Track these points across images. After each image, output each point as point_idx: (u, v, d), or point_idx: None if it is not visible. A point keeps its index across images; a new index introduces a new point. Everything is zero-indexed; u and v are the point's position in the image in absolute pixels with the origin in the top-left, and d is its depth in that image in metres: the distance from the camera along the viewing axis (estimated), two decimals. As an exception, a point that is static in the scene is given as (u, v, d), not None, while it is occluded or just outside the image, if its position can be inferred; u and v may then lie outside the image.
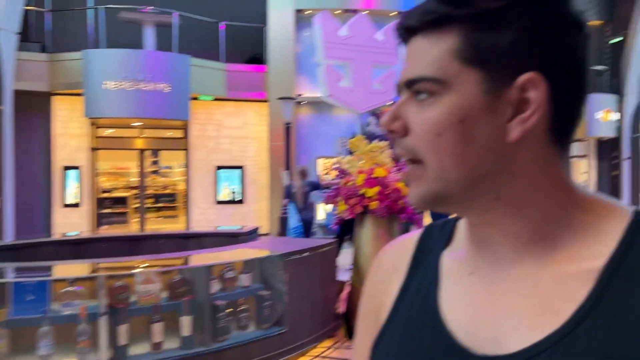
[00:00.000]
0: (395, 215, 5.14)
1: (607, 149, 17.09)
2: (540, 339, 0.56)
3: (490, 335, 0.59)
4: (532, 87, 0.57)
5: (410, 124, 0.60)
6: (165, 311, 4.03)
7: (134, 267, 4.28)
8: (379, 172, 5.04)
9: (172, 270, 4.28)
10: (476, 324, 0.61)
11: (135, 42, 11.50)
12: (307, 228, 8.19)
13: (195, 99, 11.83)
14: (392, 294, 0.72)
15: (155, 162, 13.73)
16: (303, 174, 8.43)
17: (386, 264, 0.76)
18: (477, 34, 0.57)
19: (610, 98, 16.24)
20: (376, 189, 4.98)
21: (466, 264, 0.65)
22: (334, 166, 5.63)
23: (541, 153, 0.59)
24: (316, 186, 8.44)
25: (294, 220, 8.12)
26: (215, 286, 4.28)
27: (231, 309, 4.33)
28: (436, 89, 0.58)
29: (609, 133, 16.36)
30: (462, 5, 0.57)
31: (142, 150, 12.58)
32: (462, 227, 0.70)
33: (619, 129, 16.62)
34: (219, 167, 12.52)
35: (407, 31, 0.62)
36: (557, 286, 0.58)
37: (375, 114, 12.28)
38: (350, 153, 5.60)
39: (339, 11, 12.08)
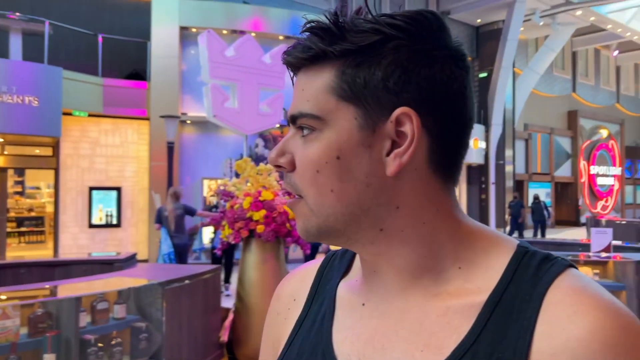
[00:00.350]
0: (281, 239, 5.08)
1: (476, 174, 18.54)
2: None
3: None
4: (407, 121, 0.57)
5: (296, 160, 0.61)
6: (26, 349, 3.66)
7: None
8: (266, 195, 4.97)
9: (34, 303, 3.85)
10: (363, 357, 0.61)
11: (-1, 51, 10.51)
12: (180, 254, 7.74)
13: (68, 114, 11.01)
14: (290, 326, 0.71)
15: (19, 182, 12.55)
16: (175, 196, 7.83)
17: (284, 295, 0.75)
18: (350, 69, 0.58)
19: (478, 128, 17.67)
20: (262, 213, 4.89)
21: (359, 295, 0.65)
22: (219, 188, 5.46)
23: (423, 185, 0.59)
24: (190, 211, 7.95)
25: (165, 246, 7.61)
26: (85, 319, 3.93)
27: (102, 344, 4.00)
28: (316, 125, 0.59)
29: (478, 160, 17.76)
30: (337, 41, 0.58)
31: (3, 169, 11.42)
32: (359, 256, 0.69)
33: (486, 156, 18.12)
34: (93, 188, 11.71)
35: (291, 67, 0.63)
36: (441, 321, 0.58)
37: (263, 136, 12.26)
38: (237, 175, 5.47)
39: (226, 31, 11.99)
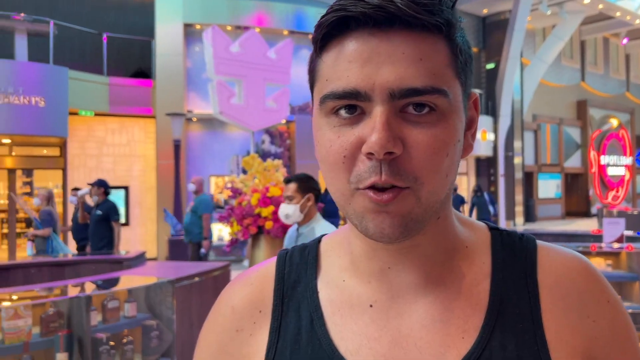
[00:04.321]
0: (290, 234, 5.05)
1: (485, 167, 18.43)
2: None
3: None
4: (476, 104, 0.59)
5: (409, 143, 0.52)
6: (38, 349, 3.66)
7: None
8: (274, 191, 4.94)
9: (46, 302, 3.86)
10: None
11: (4, 52, 10.53)
12: None
13: (74, 114, 11.03)
14: (260, 341, 0.62)
15: (27, 183, 12.56)
16: (48, 198, 7.09)
17: (243, 308, 0.64)
18: (456, 45, 0.54)
19: (486, 119, 17.55)
20: (271, 209, 4.86)
21: (359, 296, 0.60)
22: (226, 185, 5.44)
23: None
24: (49, 220, 6.94)
25: (67, 251, 6.99)
26: (96, 318, 3.94)
27: (114, 342, 4.00)
28: (441, 103, 0.52)
29: (486, 152, 17.65)
30: (442, 13, 0.53)
31: (12, 170, 11.46)
32: (329, 252, 0.65)
33: (495, 148, 18.00)
34: (102, 188, 11.73)
35: (386, 22, 0.51)
36: (458, 309, 0.58)
37: (269, 132, 12.24)
38: (244, 172, 5.45)
39: (230, 27, 11.96)
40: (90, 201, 7.12)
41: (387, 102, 0.51)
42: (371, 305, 0.59)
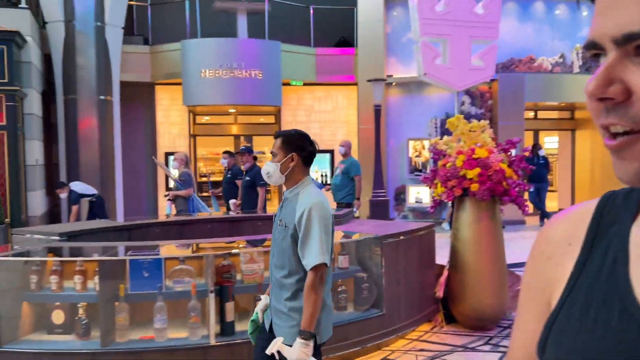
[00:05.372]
0: (497, 198, 4.94)
1: None
2: None
3: None
4: None
5: (634, 87, 0.51)
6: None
7: (236, 247, 4.44)
8: (480, 153, 4.85)
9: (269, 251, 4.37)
10: None
11: (228, 31, 11.84)
12: None
13: (286, 84, 12.01)
14: (565, 270, 0.65)
15: (248, 147, 14.15)
16: (186, 160, 7.52)
17: (556, 237, 0.69)
18: None
19: None
20: (477, 171, 4.79)
21: None
22: (429, 147, 5.49)
23: None
24: (190, 181, 7.43)
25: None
26: (315, 267, 4.34)
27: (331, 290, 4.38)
28: None
29: None
30: None
31: (236, 136, 12.99)
32: None
33: None
34: (310, 152, 12.64)
35: None
36: None
37: (470, 92, 11.88)
38: (444, 134, 5.44)
39: (430, -12, 11.75)
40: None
41: (614, 50, 0.52)
42: None
